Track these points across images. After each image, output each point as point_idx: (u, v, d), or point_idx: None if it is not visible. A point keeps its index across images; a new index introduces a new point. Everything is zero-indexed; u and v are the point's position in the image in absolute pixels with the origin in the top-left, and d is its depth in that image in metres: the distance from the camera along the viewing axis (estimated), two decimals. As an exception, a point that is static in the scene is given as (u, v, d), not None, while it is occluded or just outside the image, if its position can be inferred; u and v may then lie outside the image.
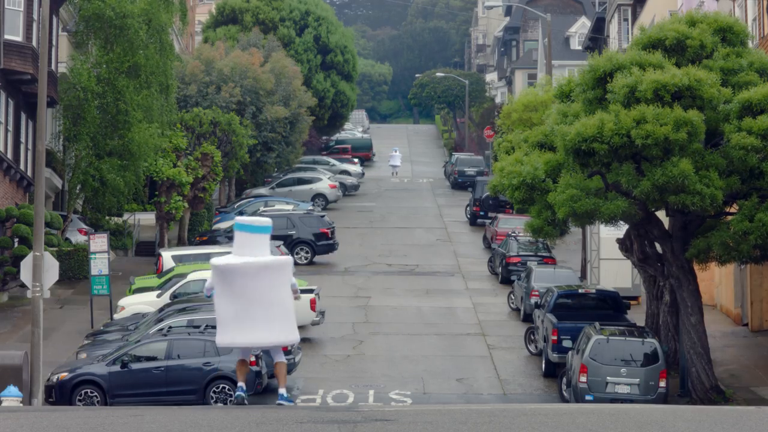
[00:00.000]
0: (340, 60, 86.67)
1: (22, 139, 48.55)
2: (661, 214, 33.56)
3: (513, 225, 54.49)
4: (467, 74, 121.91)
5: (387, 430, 15.84)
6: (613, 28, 66.13)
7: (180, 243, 57.74)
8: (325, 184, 72.39)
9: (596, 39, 72.34)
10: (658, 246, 33.94)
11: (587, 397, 30.64)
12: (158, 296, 40.38)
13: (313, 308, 39.93)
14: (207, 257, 45.60)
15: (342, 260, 55.34)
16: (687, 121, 29.33)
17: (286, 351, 33.82)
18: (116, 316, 40.14)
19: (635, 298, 44.85)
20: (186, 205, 55.90)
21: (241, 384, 18.85)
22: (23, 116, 48.55)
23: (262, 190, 71.05)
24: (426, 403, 32.18)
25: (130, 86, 48.99)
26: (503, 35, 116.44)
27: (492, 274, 52.66)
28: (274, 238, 52.94)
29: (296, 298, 18.23)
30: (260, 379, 32.14)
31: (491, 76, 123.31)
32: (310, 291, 40.52)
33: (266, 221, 18.34)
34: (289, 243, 53.25)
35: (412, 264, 55.18)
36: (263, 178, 73.80)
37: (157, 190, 55.41)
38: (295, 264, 51.41)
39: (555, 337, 35.15)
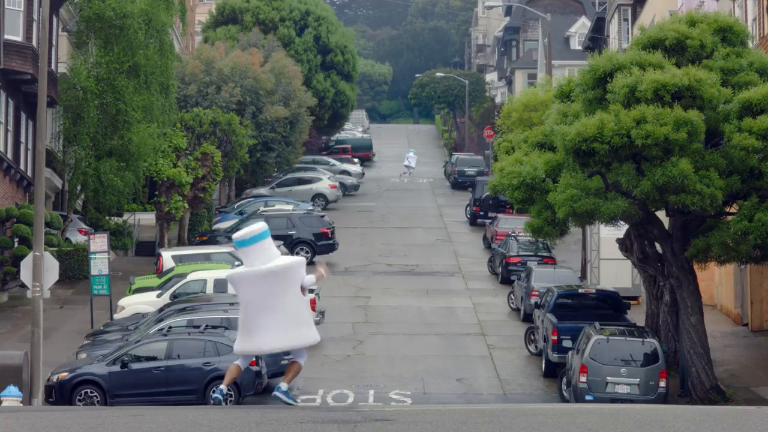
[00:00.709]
0: (340, 60, 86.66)
1: (22, 139, 48.54)
2: (661, 214, 33.56)
3: (513, 225, 54.49)
4: (467, 74, 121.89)
5: (387, 430, 15.83)
6: (613, 28, 66.13)
7: (180, 243, 57.73)
8: (325, 184, 72.38)
9: (596, 39, 72.34)
10: (658, 246, 33.93)
11: (587, 397, 30.63)
12: (158, 296, 40.38)
13: (313, 308, 39.93)
14: (207, 257, 45.77)
15: (342, 260, 55.33)
16: (687, 121, 29.33)
17: (285, 351, 33.86)
18: (116, 316, 40.14)
19: (635, 298, 44.84)
20: (186, 205, 55.89)
21: (222, 387, 18.75)
22: (23, 116, 48.55)
23: (262, 190, 71.04)
24: (426, 403, 32.17)
25: (130, 86, 48.98)
26: (503, 35, 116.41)
27: (492, 274, 52.65)
28: (274, 238, 53.18)
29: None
30: (260, 379, 32.13)
31: (491, 76, 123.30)
32: (310, 291, 40.56)
33: (259, 228, 18.26)
34: (289, 243, 53.24)
35: (412, 264, 55.17)
36: (263, 178, 73.79)
37: (157, 190, 55.40)
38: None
39: (555, 337, 35.15)
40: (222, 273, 40.71)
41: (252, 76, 68.84)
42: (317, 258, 54.54)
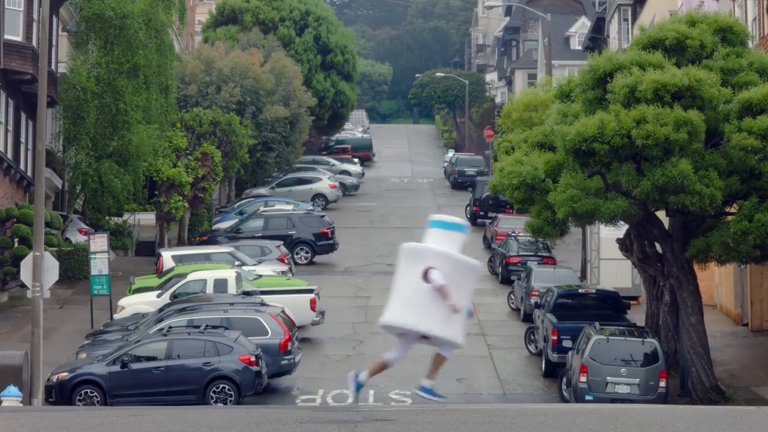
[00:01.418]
0: (340, 60, 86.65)
1: (22, 139, 48.54)
2: (661, 214, 33.55)
3: (513, 225, 54.48)
4: (467, 74, 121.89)
5: (387, 430, 15.83)
6: (613, 28, 66.12)
7: (180, 243, 57.73)
8: (325, 184, 72.38)
9: (596, 39, 72.33)
10: (658, 246, 33.93)
11: (587, 397, 30.63)
12: (158, 296, 40.38)
13: (313, 308, 39.94)
14: (207, 257, 45.78)
15: (342, 260, 55.32)
16: (687, 121, 29.33)
17: (285, 351, 33.88)
18: (116, 316, 40.13)
19: (635, 298, 44.84)
20: (186, 205, 55.89)
21: (360, 373, 17.43)
22: (23, 116, 48.54)
23: (262, 190, 71.05)
24: (426, 403, 32.15)
25: (130, 86, 48.97)
26: (503, 35, 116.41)
27: (492, 274, 52.64)
28: (274, 238, 53.24)
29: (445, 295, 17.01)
30: (260, 379, 32.12)
31: (491, 76, 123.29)
32: (310, 291, 40.54)
33: (463, 221, 17.53)
34: (289, 243, 53.26)
35: (412, 264, 55.06)
36: (263, 178, 73.78)
37: (157, 190, 55.40)
38: (295, 264, 51.57)
39: (555, 337, 35.15)
40: (222, 273, 40.77)
41: (252, 76, 68.84)
42: (317, 258, 54.64)
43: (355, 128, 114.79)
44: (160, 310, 36.96)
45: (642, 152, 29.82)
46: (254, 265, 46.11)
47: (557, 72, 70.73)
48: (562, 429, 15.87)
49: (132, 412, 18.24)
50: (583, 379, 30.70)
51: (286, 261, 48.76)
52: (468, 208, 68.14)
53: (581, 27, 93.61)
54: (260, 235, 53.66)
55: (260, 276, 43.67)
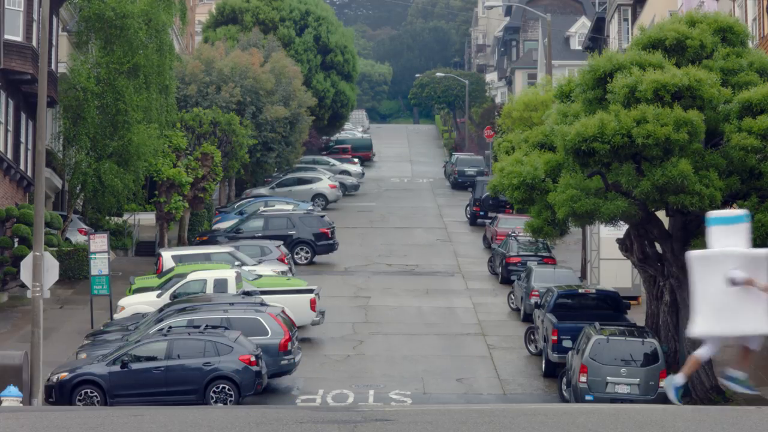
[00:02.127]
0: (340, 60, 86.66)
1: (22, 139, 48.54)
2: (661, 214, 33.56)
3: (513, 225, 54.49)
4: (467, 74, 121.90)
5: (387, 430, 15.83)
6: (613, 28, 66.13)
7: (180, 243, 57.74)
8: (325, 184, 72.40)
9: (596, 39, 72.35)
10: (658, 246, 33.94)
11: (587, 397, 30.64)
12: (158, 296, 40.40)
13: (313, 308, 39.95)
14: (207, 257, 45.80)
15: (342, 260, 55.34)
16: (687, 121, 29.33)
17: (285, 351, 33.87)
18: (116, 316, 40.15)
19: (635, 298, 44.84)
20: (186, 205, 55.90)
21: (679, 378, 17.07)
22: (23, 116, 48.55)
23: (262, 190, 71.06)
24: (426, 403, 32.17)
25: (130, 87, 48.98)
26: (503, 35, 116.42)
27: (492, 274, 52.66)
28: (274, 238, 53.28)
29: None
30: (260, 379, 32.13)
31: (491, 76, 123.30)
32: (310, 291, 40.55)
33: (741, 210, 17.19)
34: (289, 243, 53.28)
35: (412, 264, 55.18)
36: (263, 178, 73.80)
37: (157, 190, 55.41)
38: (295, 264, 51.60)
39: (555, 337, 35.16)
40: (222, 273, 40.79)
41: (252, 76, 68.85)
42: (317, 258, 54.66)
43: (355, 128, 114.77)
44: (160, 310, 36.97)
45: (642, 152, 29.82)
46: (254, 265, 46.13)
47: (557, 72, 70.73)
48: (562, 429, 15.88)
49: (132, 412, 18.25)
50: (583, 379, 30.71)
51: (286, 261, 48.78)
52: (468, 208, 68.16)
53: (581, 27, 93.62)
54: (260, 235, 53.68)
55: (260, 276, 43.68)
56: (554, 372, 35.25)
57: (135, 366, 31.79)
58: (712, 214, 16.90)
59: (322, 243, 54.52)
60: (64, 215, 50.55)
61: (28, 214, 42.84)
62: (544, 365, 36.23)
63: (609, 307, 37.24)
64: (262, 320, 34.27)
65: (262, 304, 36.41)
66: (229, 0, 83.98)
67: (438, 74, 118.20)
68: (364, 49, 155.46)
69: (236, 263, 45.10)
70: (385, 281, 51.08)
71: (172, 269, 43.80)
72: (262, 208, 59.85)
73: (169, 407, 24.48)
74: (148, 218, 58.46)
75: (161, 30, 50.33)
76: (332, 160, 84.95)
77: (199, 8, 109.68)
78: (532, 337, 38.77)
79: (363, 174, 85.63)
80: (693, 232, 32.50)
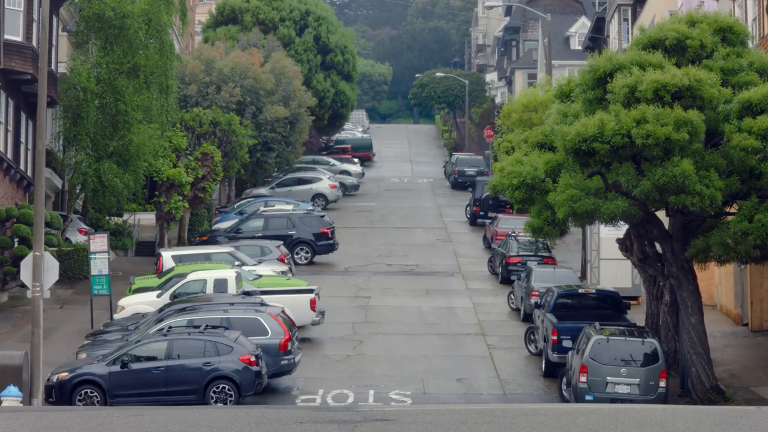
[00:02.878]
0: (340, 60, 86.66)
1: (22, 139, 48.54)
2: (661, 215, 33.56)
3: (513, 225, 54.50)
4: (467, 74, 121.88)
5: (387, 430, 15.84)
6: (613, 28, 66.13)
7: (180, 243, 57.74)
8: (325, 184, 72.40)
9: (596, 39, 72.34)
10: (658, 246, 33.94)
11: (587, 397, 30.64)
12: (158, 296, 40.40)
13: (313, 308, 39.95)
14: (207, 257, 45.81)
15: (342, 260, 55.35)
16: (687, 121, 29.34)
17: (285, 351, 33.88)
18: (116, 316, 40.15)
19: (635, 298, 44.85)
20: (186, 205, 55.90)
21: None
22: (23, 116, 48.55)
23: (262, 190, 71.06)
24: (426, 403, 32.18)
25: (130, 87, 48.96)
26: (503, 35, 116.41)
27: (492, 274, 52.66)
28: (274, 238, 53.22)
29: None
30: (260, 379, 32.13)
31: (491, 76, 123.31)
32: (310, 291, 40.55)
33: None
34: (289, 243, 53.29)
35: (412, 264, 55.19)
36: (263, 178, 73.79)
37: (157, 190, 55.41)
38: (295, 264, 51.63)
39: (555, 337, 35.16)
40: (222, 273, 40.79)
41: (252, 76, 68.85)
42: (317, 258, 54.67)
43: (355, 128, 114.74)
44: (160, 310, 36.97)
45: (642, 152, 29.82)
46: (254, 265, 46.13)
47: (557, 72, 70.75)
48: (562, 429, 15.88)
49: (132, 412, 18.25)
50: (583, 379, 30.71)
51: (286, 261, 48.78)
52: (468, 208, 68.16)
53: (581, 27, 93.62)
54: (260, 235, 53.69)
55: (260, 276, 43.68)
56: (554, 372, 35.25)
57: (135, 366, 31.79)
58: None
59: (322, 243, 54.53)
60: (64, 215, 50.55)
61: (28, 214, 42.85)
62: (544, 365, 36.23)
63: (609, 307, 37.24)
64: (262, 320, 34.27)
65: (262, 304, 36.40)
66: (229, 0, 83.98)
67: (438, 74, 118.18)
68: (364, 49, 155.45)
69: (236, 263, 45.11)
70: (385, 281, 51.09)
71: (172, 269, 43.81)
72: (262, 208, 59.85)
73: (169, 407, 24.51)
74: (148, 218, 58.46)
75: (161, 30, 50.31)
76: (332, 160, 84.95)
77: (199, 8, 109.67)
78: (532, 337, 38.77)
79: (363, 174, 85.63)
80: (693, 232, 32.53)
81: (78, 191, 50.66)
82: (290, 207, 60.07)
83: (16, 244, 44.19)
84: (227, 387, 31.61)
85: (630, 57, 31.39)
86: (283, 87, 70.97)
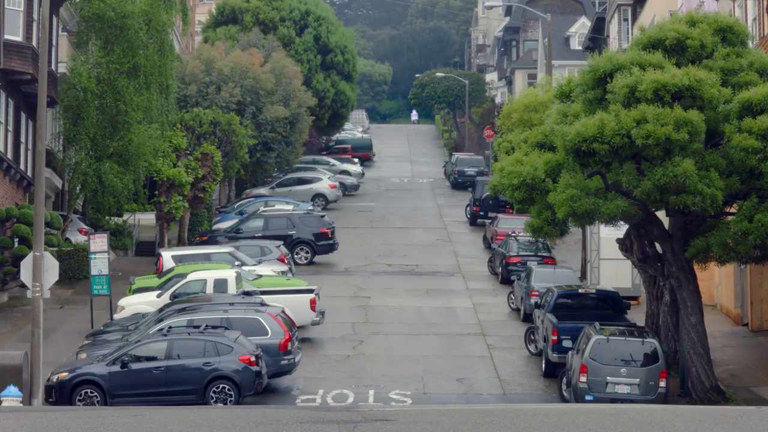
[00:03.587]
0: (340, 60, 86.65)
1: (22, 139, 48.55)
2: (661, 215, 33.57)
3: (513, 225, 54.50)
4: (467, 74, 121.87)
5: (387, 430, 15.84)
6: (613, 28, 66.13)
7: (180, 243, 57.74)
8: (325, 184, 72.40)
9: (596, 39, 72.35)
10: (658, 246, 33.94)
11: (587, 397, 30.63)
12: (158, 296, 40.40)
13: (313, 308, 39.95)
14: (207, 257, 45.82)
15: (342, 260, 55.35)
16: (687, 121, 29.34)
17: (285, 351, 33.89)
18: (116, 316, 40.15)
19: (635, 298, 44.85)
20: (186, 205, 55.90)
21: None
22: (23, 116, 48.55)
23: (262, 190, 71.06)
24: (426, 403, 32.18)
25: (130, 87, 48.97)
26: (503, 35, 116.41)
27: (492, 274, 52.67)
28: (274, 238, 53.23)
29: None
30: (260, 379, 32.13)
31: (491, 76, 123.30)
32: (310, 291, 40.55)
33: None
34: (289, 243, 53.29)
35: (412, 264, 55.19)
36: (263, 178, 73.79)
37: (157, 190, 55.41)
38: (295, 264, 51.63)
39: (555, 337, 35.16)
40: (222, 273, 40.79)
41: (252, 76, 68.85)
42: (317, 258, 54.67)
43: (355, 128, 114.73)
44: (160, 310, 36.97)
45: (642, 152, 29.82)
46: (254, 265, 46.13)
47: (557, 72, 70.73)
48: (562, 429, 15.88)
49: (132, 412, 18.25)
50: (583, 379, 30.71)
51: (286, 261, 48.78)
52: (468, 208, 68.16)
53: (581, 27, 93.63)
54: (260, 235, 53.70)
55: (260, 276, 43.68)
56: (554, 372, 35.25)
57: (135, 366, 31.79)
58: None
59: (322, 243, 54.54)
60: (64, 215, 50.55)
61: (28, 214, 42.85)
62: (544, 365, 36.23)
63: (609, 307, 37.24)
64: (262, 320, 34.27)
65: (262, 304, 36.41)
66: (229, 0, 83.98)
67: (438, 74, 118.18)
68: (364, 49, 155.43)
69: (236, 263, 45.11)
70: (385, 281, 51.09)
71: (172, 269, 43.81)
72: (262, 208, 59.85)
73: (169, 407, 24.51)
74: (148, 218, 58.46)
75: (162, 30, 50.31)
76: (332, 160, 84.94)
77: (199, 8, 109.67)
78: (532, 337, 38.77)
79: (363, 174, 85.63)
80: (693, 232, 32.53)
81: (78, 191, 50.66)
82: (290, 207, 60.07)
83: (16, 244, 44.19)
84: (227, 387, 31.61)
85: (630, 57, 31.39)
86: (283, 87, 70.97)
